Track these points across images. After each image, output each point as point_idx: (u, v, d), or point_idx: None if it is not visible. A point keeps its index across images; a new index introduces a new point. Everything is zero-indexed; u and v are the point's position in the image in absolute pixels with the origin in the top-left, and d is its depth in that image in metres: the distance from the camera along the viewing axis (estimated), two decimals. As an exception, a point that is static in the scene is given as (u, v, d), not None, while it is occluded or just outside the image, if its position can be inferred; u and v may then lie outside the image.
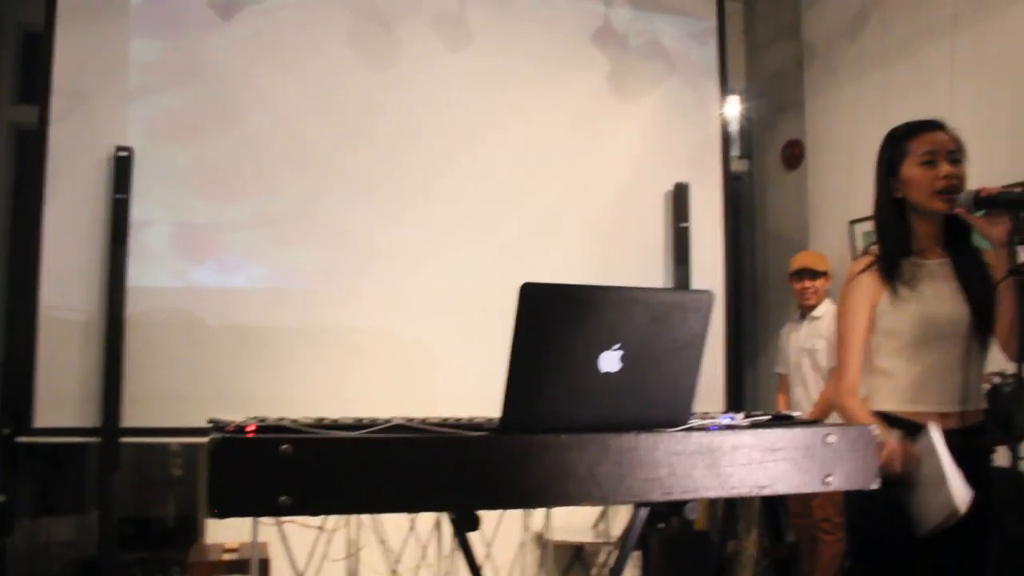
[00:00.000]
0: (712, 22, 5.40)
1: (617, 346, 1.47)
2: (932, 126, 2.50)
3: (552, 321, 1.43)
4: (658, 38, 5.28)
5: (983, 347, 2.49)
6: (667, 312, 1.51)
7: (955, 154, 2.46)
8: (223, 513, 1.29)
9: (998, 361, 2.57)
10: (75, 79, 4.25)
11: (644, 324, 1.50)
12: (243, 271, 4.46)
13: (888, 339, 2.48)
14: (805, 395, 4.79)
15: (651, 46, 5.26)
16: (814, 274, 4.84)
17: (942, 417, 2.42)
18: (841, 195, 5.32)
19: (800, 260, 4.94)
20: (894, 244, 2.51)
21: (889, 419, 2.41)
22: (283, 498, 1.29)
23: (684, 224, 5.09)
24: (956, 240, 2.53)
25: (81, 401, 4.11)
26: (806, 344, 4.81)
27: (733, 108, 5.97)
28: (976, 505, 2.42)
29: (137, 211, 4.24)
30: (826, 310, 4.79)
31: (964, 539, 2.40)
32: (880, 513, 2.36)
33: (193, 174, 4.41)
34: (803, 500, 4.70)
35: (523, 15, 5.01)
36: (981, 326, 2.45)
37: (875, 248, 2.57)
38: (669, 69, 5.28)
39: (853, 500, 2.54)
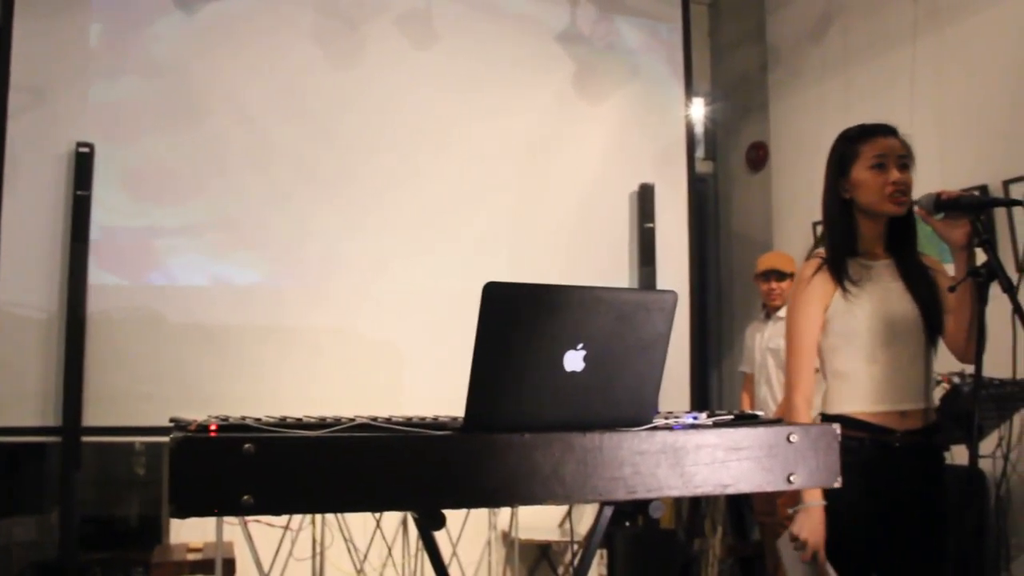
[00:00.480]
0: (677, 24, 5.44)
1: (581, 346, 1.48)
2: (885, 130, 2.53)
3: (516, 320, 1.43)
4: (623, 40, 5.31)
5: (932, 347, 2.53)
6: (631, 312, 1.52)
7: (905, 159, 2.50)
8: (184, 513, 1.28)
9: (957, 361, 2.60)
10: (34, 74, 4.19)
11: (608, 324, 1.50)
12: (207, 270, 4.43)
13: (845, 340, 2.49)
14: (770, 394, 4.83)
15: (616, 48, 5.29)
16: (781, 275, 4.86)
17: (903, 416, 2.44)
18: (804, 196, 5.37)
19: (768, 261, 4.96)
20: (842, 244, 2.53)
21: (851, 422, 2.40)
22: (245, 497, 1.28)
23: (649, 224, 5.12)
24: (899, 243, 2.56)
25: (41, 400, 4.06)
26: (771, 344, 4.84)
27: (698, 110, 6.03)
28: (932, 503, 2.46)
29: (99, 208, 4.19)
30: None
31: (921, 537, 2.43)
32: (838, 513, 2.39)
33: (156, 171, 4.37)
34: (768, 499, 4.73)
35: (489, 15, 5.01)
36: (929, 326, 2.49)
37: (821, 251, 2.59)
38: (634, 71, 5.31)
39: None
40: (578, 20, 5.19)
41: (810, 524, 2.37)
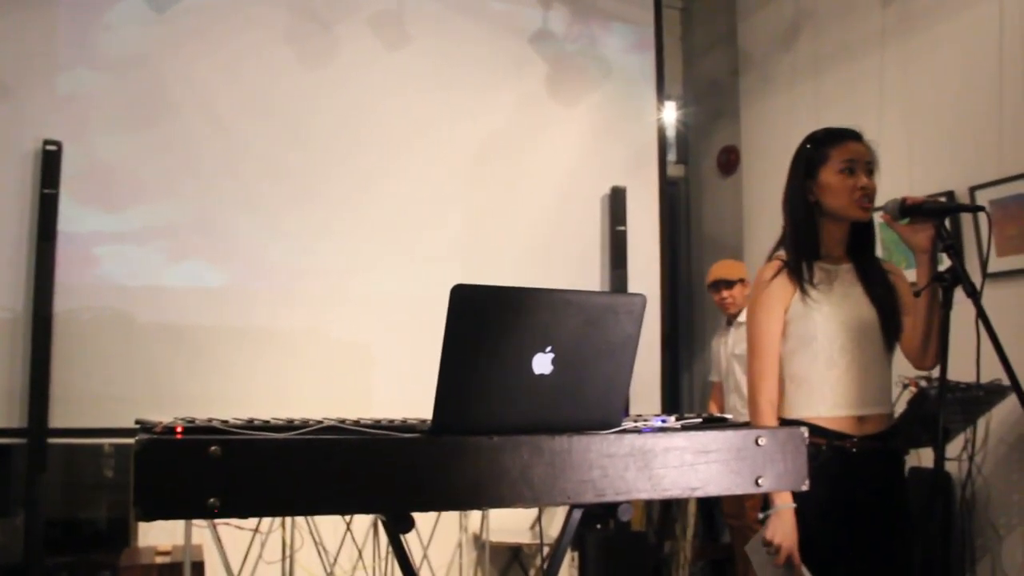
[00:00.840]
0: (649, 28, 5.45)
1: (549, 348, 1.48)
2: (853, 135, 2.55)
3: (484, 323, 1.43)
4: (596, 43, 5.32)
5: (891, 351, 2.54)
6: (599, 315, 1.52)
7: (871, 165, 2.51)
8: (149, 516, 1.27)
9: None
10: (1, 70, 4.13)
11: (576, 327, 1.50)
12: (177, 270, 4.38)
13: (803, 344, 2.49)
14: (740, 401, 4.85)
15: (589, 51, 5.30)
16: (728, 283, 4.90)
17: (861, 421, 2.45)
18: (775, 201, 5.35)
19: (713, 272, 5.00)
20: (806, 247, 2.54)
21: (808, 428, 2.40)
22: (211, 500, 1.27)
23: (621, 228, 5.13)
24: (859, 247, 2.58)
25: (6, 401, 4.00)
26: (736, 350, 4.86)
27: (670, 114, 6.05)
28: (893, 507, 2.48)
29: (66, 207, 4.15)
30: None
31: (884, 540, 2.45)
32: (804, 518, 2.40)
33: (125, 170, 4.32)
34: (736, 501, 4.77)
35: (461, 16, 5.01)
36: (888, 331, 2.50)
37: (781, 253, 2.59)
38: (606, 74, 5.33)
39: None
40: (551, 22, 5.20)
41: (782, 527, 2.37)
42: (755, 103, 5.88)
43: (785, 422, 2.47)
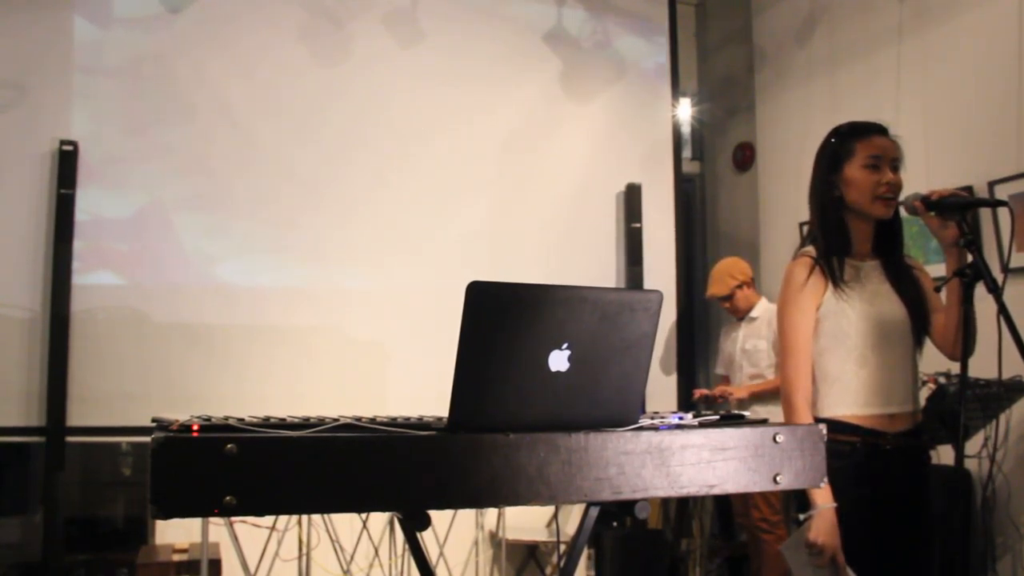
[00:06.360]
0: (664, 25, 5.45)
1: (566, 345, 1.47)
2: (879, 130, 2.50)
3: (500, 320, 1.42)
4: (610, 39, 5.31)
5: (919, 349, 2.52)
6: (616, 311, 1.51)
7: (897, 161, 2.48)
8: (166, 514, 1.27)
9: (943, 361, 2.61)
10: (17, 71, 4.16)
11: (593, 323, 1.49)
12: (191, 269, 4.40)
13: (836, 342, 2.45)
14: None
15: (603, 47, 5.30)
16: (724, 298, 4.90)
17: (891, 419, 2.43)
18: (791, 197, 5.38)
19: (707, 291, 5.01)
20: (836, 243, 2.49)
21: (842, 426, 2.39)
22: (228, 498, 1.27)
23: (636, 224, 5.12)
24: (886, 244, 2.55)
25: (25, 400, 4.04)
26: (747, 345, 4.85)
27: (685, 110, 6.03)
28: (920, 504, 2.45)
29: (82, 206, 4.17)
30: (763, 309, 4.84)
31: (909, 537, 2.43)
32: (839, 516, 2.37)
33: (139, 169, 4.34)
34: (743, 501, 4.75)
35: (475, 14, 5.01)
36: (917, 328, 2.48)
37: (809, 249, 2.55)
38: (621, 70, 5.32)
39: (795, 505, 2.55)
40: (565, 19, 5.19)
41: (825, 527, 2.32)
42: (770, 99, 5.86)
43: (817, 420, 2.42)
